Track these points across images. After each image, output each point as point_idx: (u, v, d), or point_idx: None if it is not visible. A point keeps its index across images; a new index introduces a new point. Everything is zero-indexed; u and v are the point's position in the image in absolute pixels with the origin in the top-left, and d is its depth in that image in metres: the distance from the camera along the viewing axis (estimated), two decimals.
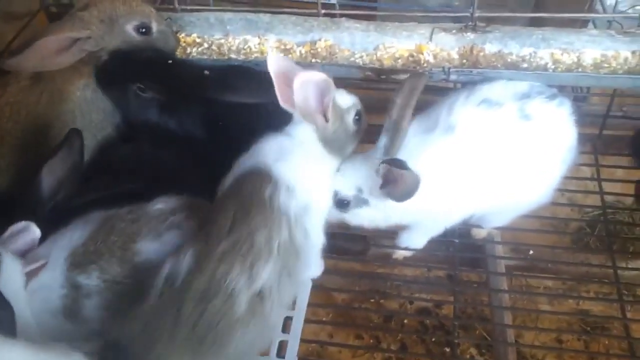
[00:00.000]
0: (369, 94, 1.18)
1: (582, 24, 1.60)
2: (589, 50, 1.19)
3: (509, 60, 1.22)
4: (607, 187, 1.51)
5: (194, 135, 1.28)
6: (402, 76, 1.25)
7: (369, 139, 1.19)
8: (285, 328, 1.17)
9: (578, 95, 1.59)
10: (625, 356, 1.39)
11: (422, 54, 1.25)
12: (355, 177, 1.12)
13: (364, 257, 1.56)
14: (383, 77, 1.34)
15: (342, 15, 1.31)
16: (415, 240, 1.35)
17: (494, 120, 1.14)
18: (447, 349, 1.80)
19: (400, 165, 1.00)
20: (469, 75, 1.29)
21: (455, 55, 1.24)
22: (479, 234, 1.45)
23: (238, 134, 1.07)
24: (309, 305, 1.21)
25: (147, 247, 0.98)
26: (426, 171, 1.05)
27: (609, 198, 1.53)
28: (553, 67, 1.21)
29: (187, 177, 1.23)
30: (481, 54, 1.22)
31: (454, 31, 1.24)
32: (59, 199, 1.09)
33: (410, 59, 1.26)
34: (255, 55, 1.30)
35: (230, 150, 1.04)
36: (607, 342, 1.78)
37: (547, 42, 1.20)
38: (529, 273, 1.78)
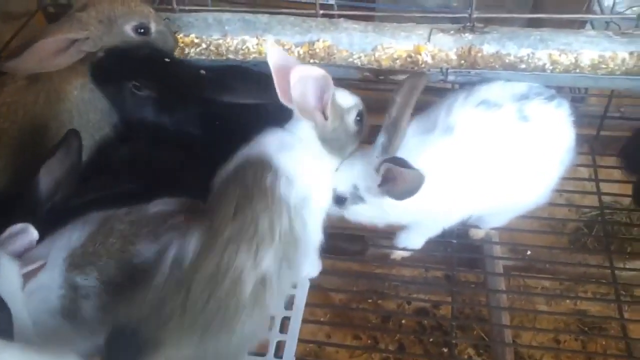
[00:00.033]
0: (367, 94, 1.18)
1: (580, 25, 1.60)
2: (587, 51, 1.19)
3: (506, 61, 1.22)
4: (605, 187, 1.52)
5: (191, 134, 1.28)
6: (401, 77, 1.25)
7: (367, 140, 1.19)
8: (283, 328, 1.17)
9: (576, 96, 1.59)
10: (623, 356, 1.39)
11: (420, 54, 1.25)
12: (351, 174, 1.12)
13: (362, 258, 1.57)
14: (381, 77, 1.34)
15: (340, 16, 1.31)
16: (413, 240, 1.35)
17: (493, 121, 1.15)
18: (445, 350, 1.80)
19: (403, 164, 1.01)
20: (467, 76, 1.29)
21: (453, 56, 1.24)
22: (477, 234, 1.45)
23: (236, 134, 1.07)
24: (307, 305, 1.21)
25: (146, 249, 0.98)
26: (425, 171, 1.05)
27: (606, 198, 1.53)
28: (551, 68, 1.21)
29: (185, 177, 1.23)
30: (479, 54, 1.23)
31: (452, 32, 1.24)
32: (57, 199, 1.08)
33: (409, 59, 1.26)
34: (254, 55, 1.30)
35: (228, 150, 1.04)
36: (604, 343, 1.78)
37: (545, 43, 1.20)
38: (527, 273, 1.79)
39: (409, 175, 1.01)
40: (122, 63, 1.24)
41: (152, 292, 0.88)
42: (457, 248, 1.40)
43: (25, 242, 0.94)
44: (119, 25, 1.23)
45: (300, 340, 1.16)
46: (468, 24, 1.24)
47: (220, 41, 1.31)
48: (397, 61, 1.26)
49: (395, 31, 1.26)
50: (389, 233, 1.37)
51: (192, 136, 1.29)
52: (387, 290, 1.88)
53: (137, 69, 1.23)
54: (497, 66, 1.23)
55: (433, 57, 1.25)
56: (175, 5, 1.35)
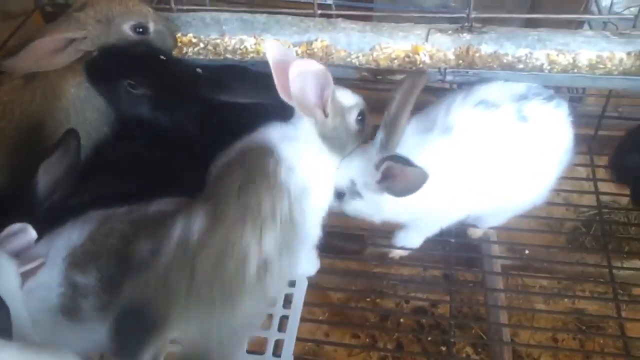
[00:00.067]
0: (365, 94, 1.18)
1: (578, 25, 1.60)
2: (585, 51, 1.20)
3: (504, 61, 1.22)
4: (603, 187, 1.52)
5: (189, 133, 1.28)
6: (399, 76, 1.25)
7: (368, 139, 1.19)
8: (281, 327, 1.18)
9: (574, 96, 1.59)
10: (621, 355, 1.40)
11: (419, 54, 1.25)
12: (349, 170, 1.12)
13: (361, 257, 1.57)
14: (379, 77, 1.34)
15: (338, 16, 1.31)
16: (412, 239, 1.35)
17: (492, 121, 1.15)
18: (443, 348, 1.81)
19: (406, 161, 1.01)
20: (465, 76, 1.29)
21: (451, 56, 1.24)
22: (475, 233, 1.46)
23: (234, 133, 1.07)
24: (305, 304, 1.21)
25: (146, 249, 0.98)
26: (427, 169, 1.05)
27: (604, 198, 1.54)
28: (549, 68, 1.22)
29: (184, 176, 1.22)
30: (477, 54, 1.23)
31: (450, 32, 1.24)
32: (55, 198, 1.08)
33: (407, 59, 1.26)
34: (252, 55, 1.30)
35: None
36: (602, 341, 1.79)
37: (542, 43, 1.21)
38: (525, 272, 1.80)
39: (411, 173, 1.01)
40: (117, 61, 1.23)
41: (159, 270, 0.89)
42: (456, 247, 1.40)
43: (23, 241, 0.94)
44: (117, 24, 1.23)
45: (298, 339, 1.16)
46: (466, 24, 1.24)
47: (218, 41, 1.31)
48: (395, 61, 1.26)
49: (393, 31, 1.26)
50: (388, 232, 1.37)
51: (190, 135, 1.29)
52: (386, 289, 1.89)
53: (132, 67, 1.23)
54: (495, 66, 1.23)
55: (431, 57, 1.25)
56: (173, 5, 1.35)
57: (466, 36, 1.23)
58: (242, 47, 1.30)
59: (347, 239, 1.52)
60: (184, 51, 1.33)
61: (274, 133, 1.03)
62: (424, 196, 1.08)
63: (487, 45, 1.22)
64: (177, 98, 1.26)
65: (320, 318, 1.81)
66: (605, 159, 1.53)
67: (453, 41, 1.24)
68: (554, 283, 1.83)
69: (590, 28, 1.46)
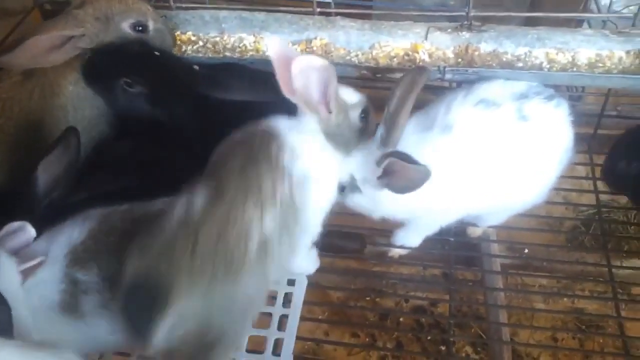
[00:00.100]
0: (364, 92, 1.18)
1: (577, 23, 1.60)
2: (584, 50, 1.20)
3: (504, 59, 1.22)
4: (602, 186, 1.51)
5: (187, 129, 1.28)
6: (398, 75, 1.25)
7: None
8: (281, 326, 1.17)
9: (573, 95, 1.59)
10: (620, 354, 1.40)
11: (418, 52, 1.25)
12: (348, 164, 1.12)
13: (360, 255, 1.57)
14: (379, 75, 1.34)
15: (337, 14, 1.31)
16: (411, 238, 1.35)
17: (492, 120, 1.15)
18: (443, 347, 1.81)
19: (408, 159, 1.01)
20: (464, 75, 1.29)
21: (450, 54, 1.24)
22: (475, 232, 1.46)
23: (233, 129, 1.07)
24: (305, 303, 1.21)
25: (131, 259, 0.98)
26: (430, 167, 1.05)
27: (603, 197, 1.54)
28: (548, 66, 1.22)
29: (184, 174, 1.22)
30: (476, 53, 1.23)
31: (449, 30, 1.24)
32: (55, 196, 1.08)
33: (406, 57, 1.26)
34: (251, 53, 1.30)
35: None
36: (601, 341, 1.79)
37: (542, 42, 1.21)
38: (524, 271, 1.80)
39: (413, 170, 1.01)
40: (112, 61, 1.23)
41: (162, 245, 0.90)
42: (455, 246, 1.40)
43: (22, 239, 0.94)
44: (116, 22, 1.23)
45: (298, 338, 1.16)
46: (465, 22, 1.24)
47: (218, 39, 1.31)
48: (395, 59, 1.26)
49: (392, 29, 1.26)
50: (387, 231, 1.37)
51: (189, 133, 1.29)
52: (385, 288, 1.88)
53: (127, 65, 1.23)
54: (494, 64, 1.23)
55: (430, 56, 1.25)
56: (172, 3, 1.35)
57: (465, 35, 1.23)
58: (241, 45, 1.30)
59: (346, 238, 1.51)
60: (183, 49, 1.33)
61: (279, 122, 1.03)
62: (423, 194, 1.07)
63: (486, 44, 1.22)
64: (175, 94, 1.26)
65: (320, 317, 1.81)
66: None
67: (452, 40, 1.24)
68: (553, 282, 1.83)
69: (590, 27, 1.46)
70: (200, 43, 1.31)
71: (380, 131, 1.09)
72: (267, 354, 1.13)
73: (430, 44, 1.24)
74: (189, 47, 1.32)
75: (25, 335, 0.84)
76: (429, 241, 1.34)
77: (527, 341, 1.78)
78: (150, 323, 0.87)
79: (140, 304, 0.88)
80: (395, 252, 1.41)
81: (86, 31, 1.20)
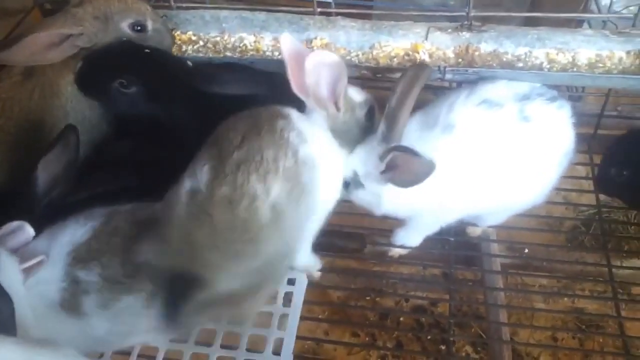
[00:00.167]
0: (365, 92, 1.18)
1: (577, 24, 1.60)
2: (584, 50, 1.20)
3: (504, 59, 1.22)
4: None
5: (186, 128, 1.27)
6: (398, 75, 1.25)
7: None
8: (281, 325, 1.18)
9: (573, 95, 1.59)
10: (620, 354, 1.40)
11: (418, 52, 1.25)
12: (351, 160, 1.12)
13: (360, 255, 1.57)
14: (379, 75, 1.34)
15: (338, 14, 1.31)
16: (411, 237, 1.35)
17: (494, 120, 1.15)
18: (443, 347, 1.81)
19: (412, 151, 1.01)
20: (465, 75, 1.29)
21: (450, 54, 1.24)
22: (475, 232, 1.46)
23: None
24: (305, 302, 1.21)
25: (149, 248, 0.98)
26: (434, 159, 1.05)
27: (603, 197, 1.54)
28: (548, 66, 1.21)
29: (183, 173, 1.22)
30: (476, 53, 1.23)
31: (449, 30, 1.24)
32: (55, 195, 1.08)
33: (406, 57, 1.26)
34: (251, 53, 1.30)
35: None
36: (601, 340, 1.79)
37: (542, 42, 1.21)
38: (524, 271, 1.80)
39: (418, 163, 1.01)
40: (103, 65, 1.23)
41: (177, 228, 0.91)
42: (455, 246, 1.40)
43: (21, 239, 0.94)
44: (115, 22, 1.23)
45: (298, 338, 1.16)
46: (465, 22, 1.24)
47: (218, 38, 1.31)
48: (395, 59, 1.26)
49: (392, 29, 1.26)
50: (387, 231, 1.37)
51: (190, 133, 1.28)
52: (385, 288, 1.89)
53: (120, 66, 1.22)
54: (494, 65, 1.23)
55: (430, 56, 1.25)
56: (172, 2, 1.35)
57: (466, 35, 1.23)
58: (241, 44, 1.29)
59: (346, 238, 1.52)
60: (184, 49, 1.33)
61: (290, 110, 1.03)
62: (424, 192, 1.08)
63: (486, 44, 1.22)
64: (171, 89, 1.26)
65: (320, 316, 1.81)
66: None
67: (452, 40, 1.24)
68: (553, 282, 1.83)
69: (590, 27, 1.46)
70: (201, 43, 1.31)
71: (382, 127, 1.09)
72: (267, 353, 1.13)
73: (430, 44, 1.24)
74: (190, 47, 1.32)
75: (26, 333, 0.84)
76: (429, 241, 1.34)
77: (527, 341, 1.78)
78: (190, 306, 0.89)
79: (180, 296, 0.90)
80: (395, 251, 1.41)
81: (85, 30, 1.20)
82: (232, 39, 1.30)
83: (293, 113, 1.02)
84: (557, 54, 1.20)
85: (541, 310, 1.81)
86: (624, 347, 1.24)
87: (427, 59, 1.25)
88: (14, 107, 1.19)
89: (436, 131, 1.14)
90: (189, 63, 1.28)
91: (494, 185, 1.17)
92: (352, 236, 1.50)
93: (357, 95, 1.11)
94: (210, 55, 1.32)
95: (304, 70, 0.98)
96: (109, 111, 1.29)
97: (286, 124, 0.98)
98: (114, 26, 1.23)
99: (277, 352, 1.13)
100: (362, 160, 1.11)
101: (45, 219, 1.02)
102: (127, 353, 1.16)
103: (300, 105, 1.06)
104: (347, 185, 1.14)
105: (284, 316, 1.18)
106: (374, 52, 1.26)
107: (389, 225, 1.34)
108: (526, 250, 1.67)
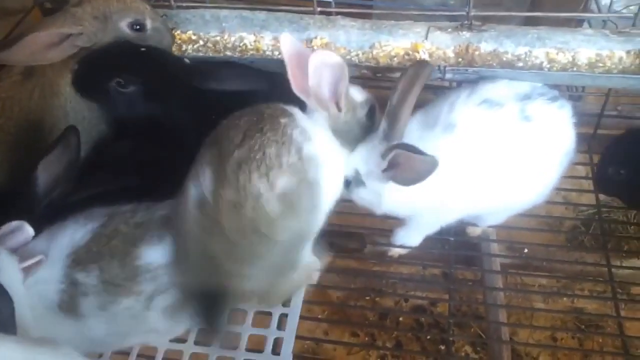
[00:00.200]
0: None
1: (577, 23, 1.60)
2: (584, 49, 1.20)
3: (504, 59, 1.22)
4: None
5: (186, 127, 1.27)
6: (398, 74, 1.25)
7: None
8: (281, 325, 1.18)
9: (573, 95, 1.59)
10: (619, 354, 1.40)
11: (418, 52, 1.25)
12: (352, 159, 1.12)
13: (360, 255, 1.57)
14: (379, 75, 1.34)
15: (338, 14, 1.31)
16: (411, 237, 1.35)
17: (495, 120, 1.15)
18: (442, 347, 1.81)
19: (414, 149, 1.01)
20: (465, 74, 1.29)
21: (450, 54, 1.24)
22: (474, 232, 1.46)
23: None
24: (305, 302, 1.21)
25: (149, 251, 0.98)
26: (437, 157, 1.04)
27: (603, 197, 1.54)
28: (548, 66, 1.21)
29: (183, 173, 1.22)
30: (477, 52, 1.23)
31: (449, 30, 1.24)
32: (55, 195, 1.08)
33: (406, 57, 1.26)
34: (251, 52, 1.30)
35: None
36: (601, 340, 1.79)
37: (542, 42, 1.20)
38: (524, 271, 1.79)
39: (420, 160, 1.01)
40: (100, 66, 1.22)
41: (194, 246, 0.92)
42: (455, 246, 1.40)
43: (20, 239, 0.94)
44: (114, 21, 1.23)
45: (297, 337, 1.16)
46: (465, 22, 1.24)
47: (218, 38, 1.31)
48: (395, 59, 1.26)
49: (392, 29, 1.26)
50: (387, 231, 1.37)
51: (189, 133, 1.28)
52: (385, 288, 1.89)
53: (116, 66, 1.22)
54: (494, 64, 1.23)
55: (430, 55, 1.25)
56: (172, 2, 1.35)
57: (466, 34, 1.23)
58: (241, 44, 1.29)
59: (346, 237, 1.52)
60: (184, 48, 1.33)
61: (293, 109, 1.03)
62: (425, 191, 1.08)
63: (486, 44, 1.22)
64: (169, 86, 1.25)
65: (320, 316, 1.81)
66: None
67: (452, 39, 1.23)
68: (553, 282, 1.83)
69: (590, 26, 1.46)
70: (201, 42, 1.31)
71: (383, 125, 1.09)
72: (266, 353, 1.13)
73: (430, 43, 1.24)
74: (190, 47, 1.32)
75: (26, 332, 0.84)
76: (429, 241, 1.34)
77: (526, 341, 1.78)
78: (223, 313, 0.93)
79: (214, 308, 0.93)
80: (395, 251, 1.41)
81: (84, 29, 1.20)
82: (232, 39, 1.30)
83: (296, 111, 1.02)
84: (557, 54, 1.20)
85: (541, 310, 1.81)
86: (624, 347, 1.24)
87: (427, 58, 1.25)
88: (14, 107, 1.19)
89: (437, 131, 1.14)
90: (186, 60, 1.28)
91: (495, 184, 1.17)
92: (352, 236, 1.50)
93: (358, 94, 1.11)
94: (210, 54, 1.32)
95: (304, 71, 0.97)
96: (109, 113, 1.29)
97: (290, 121, 0.97)
98: (113, 25, 1.23)
99: (276, 352, 1.13)
100: (364, 158, 1.11)
101: (45, 219, 1.03)
102: (126, 353, 1.16)
103: (300, 105, 1.06)
104: (348, 184, 1.13)
105: (283, 316, 1.18)
106: (374, 52, 1.26)
107: (389, 225, 1.34)
108: (526, 250, 1.67)
